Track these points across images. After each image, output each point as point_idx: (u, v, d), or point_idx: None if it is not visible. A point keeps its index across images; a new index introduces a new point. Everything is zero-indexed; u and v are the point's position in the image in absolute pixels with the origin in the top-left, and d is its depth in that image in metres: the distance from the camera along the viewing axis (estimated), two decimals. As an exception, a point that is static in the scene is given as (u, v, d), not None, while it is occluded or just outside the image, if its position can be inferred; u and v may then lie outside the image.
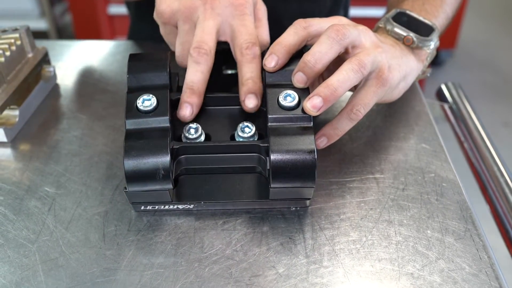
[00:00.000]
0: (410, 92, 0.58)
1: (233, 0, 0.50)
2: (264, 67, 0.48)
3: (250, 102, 0.47)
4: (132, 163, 0.43)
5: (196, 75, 0.48)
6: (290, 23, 0.88)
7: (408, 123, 0.61)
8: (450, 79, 0.79)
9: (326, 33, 0.47)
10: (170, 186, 0.44)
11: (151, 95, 0.46)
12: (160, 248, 0.45)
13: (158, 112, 0.46)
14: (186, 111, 0.47)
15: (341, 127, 0.49)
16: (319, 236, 0.46)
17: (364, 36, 0.48)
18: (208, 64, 0.48)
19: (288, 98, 0.46)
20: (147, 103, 0.46)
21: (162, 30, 0.55)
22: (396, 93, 0.54)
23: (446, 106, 0.73)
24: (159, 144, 0.44)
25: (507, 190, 0.56)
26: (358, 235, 0.46)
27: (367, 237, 0.46)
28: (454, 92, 0.74)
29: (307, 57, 0.46)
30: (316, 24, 0.49)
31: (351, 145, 0.57)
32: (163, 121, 0.45)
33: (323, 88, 0.45)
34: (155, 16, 0.54)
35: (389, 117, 0.61)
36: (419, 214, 0.48)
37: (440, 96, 0.76)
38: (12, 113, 0.59)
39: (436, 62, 2.46)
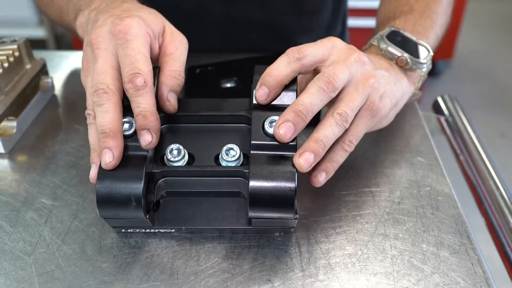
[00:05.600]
0: (405, 105, 0.59)
1: (112, 29, 0.47)
2: (256, 100, 0.46)
3: (143, 140, 0.43)
4: (104, 191, 0.42)
5: (103, 117, 0.44)
6: (289, 37, 0.89)
7: (404, 136, 0.61)
8: (447, 90, 0.80)
9: (317, 84, 0.45)
10: (142, 215, 0.43)
11: (130, 118, 0.45)
12: (157, 261, 0.45)
13: (137, 137, 0.44)
14: (105, 157, 0.42)
15: (337, 159, 0.48)
16: (314, 250, 0.46)
17: (356, 71, 0.47)
18: (111, 100, 0.44)
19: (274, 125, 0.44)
20: (126, 125, 0.44)
21: None
22: (386, 121, 0.54)
23: (442, 119, 0.73)
24: (134, 174, 0.42)
25: (502, 203, 0.57)
26: (353, 248, 0.46)
27: (363, 251, 0.46)
28: (450, 104, 0.75)
29: (299, 107, 0.44)
30: (309, 54, 0.47)
31: (347, 159, 0.57)
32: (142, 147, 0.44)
33: (313, 144, 0.44)
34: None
35: (384, 130, 0.62)
36: (415, 228, 0.48)
37: (436, 108, 0.76)
38: (10, 124, 0.59)
39: (433, 73, 2.47)
